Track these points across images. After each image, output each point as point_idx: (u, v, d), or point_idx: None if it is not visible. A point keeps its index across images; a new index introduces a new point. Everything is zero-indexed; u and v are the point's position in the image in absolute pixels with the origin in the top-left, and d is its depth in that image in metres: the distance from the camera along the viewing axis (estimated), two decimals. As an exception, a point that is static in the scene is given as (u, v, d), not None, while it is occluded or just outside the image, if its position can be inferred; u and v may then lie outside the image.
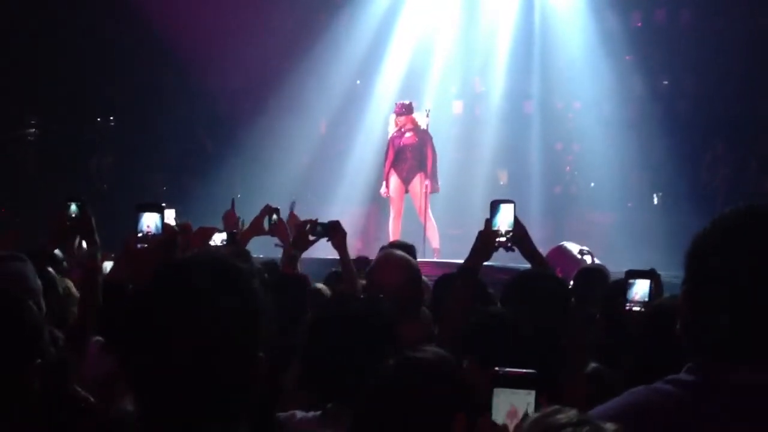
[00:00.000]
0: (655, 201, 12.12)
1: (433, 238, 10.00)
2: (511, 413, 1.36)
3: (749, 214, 1.57)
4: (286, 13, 13.33)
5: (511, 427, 1.34)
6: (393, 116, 10.18)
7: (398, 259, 3.29)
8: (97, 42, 12.30)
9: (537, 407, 1.34)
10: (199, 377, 1.37)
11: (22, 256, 2.80)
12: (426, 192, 9.91)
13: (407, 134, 9.99)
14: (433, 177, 10.04)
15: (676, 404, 1.51)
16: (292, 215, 5.26)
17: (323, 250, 5.08)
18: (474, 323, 2.40)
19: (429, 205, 10.04)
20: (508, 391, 1.37)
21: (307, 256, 4.82)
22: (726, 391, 1.49)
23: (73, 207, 3.08)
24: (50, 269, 3.44)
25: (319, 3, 13.68)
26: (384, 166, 10.31)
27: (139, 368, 1.40)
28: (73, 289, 3.61)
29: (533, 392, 1.37)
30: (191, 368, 1.36)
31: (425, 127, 10.03)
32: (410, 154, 9.97)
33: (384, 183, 10.22)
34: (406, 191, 10.12)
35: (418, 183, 9.96)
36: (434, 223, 10.16)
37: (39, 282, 2.74)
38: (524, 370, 1.39)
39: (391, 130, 10.25)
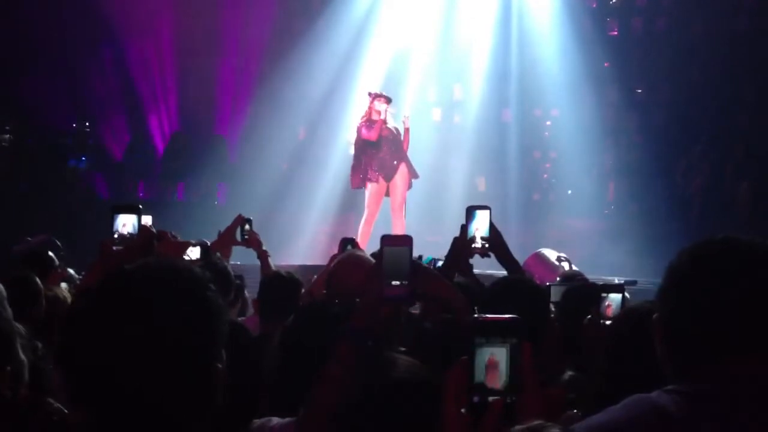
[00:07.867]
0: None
1: None
2: (492, 364, 1.23)
3: (723, 245, 1.58)
4: (264, 19, 13.31)
5: (492, 378, 1.22)
6: (376, 103, 9.21)
7: (362, 260, 3.23)
8: (73, 47, 12.20)
9: (515, 359, 1.23)
10: (149, 390, 1.27)
11: None
12: (407, 183, 9.19)
13: (384, 126, 9.17)
14: (410, 165, 9.33)
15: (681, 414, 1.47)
16: (251, 234, 5.11)
17: (308, 257, 5.06)
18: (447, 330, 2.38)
19: (405, 202, 9.32)
20: (487, 344, 1.23)
21: (288, 263, 4.80)
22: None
23: None
24: (37, 279, 3.38)
25: (297, 9, 13.67)
26: (353, 158, 9.44)
27: (86, 382, 1.29)
28: (64, 294, 3.56)
29: (515, 341, 1.23)
30: (141, 381, 1.26)
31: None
32: (386, 146, 9.20)
33: (361, 177, 9.31)
34: (386, 194, 9.31)
35: (401, 175, 9.21)
36: (404, 222, 9.39)
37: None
38: (505, 316, 1.26)
39: (363, 118, 9.30)
